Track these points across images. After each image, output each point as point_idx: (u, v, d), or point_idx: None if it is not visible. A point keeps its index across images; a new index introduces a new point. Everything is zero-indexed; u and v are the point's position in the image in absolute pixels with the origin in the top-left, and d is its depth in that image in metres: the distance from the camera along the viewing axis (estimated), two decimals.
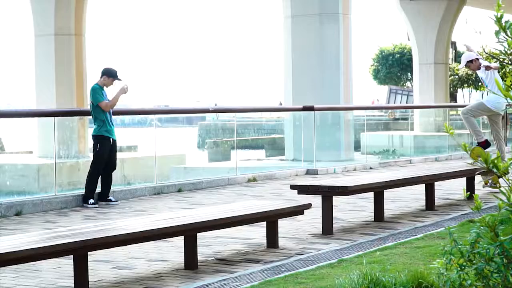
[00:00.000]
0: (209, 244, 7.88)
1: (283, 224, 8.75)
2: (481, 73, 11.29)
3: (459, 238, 4.83)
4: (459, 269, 3.41)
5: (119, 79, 11.45)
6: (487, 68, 11.07)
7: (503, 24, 3.36)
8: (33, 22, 21.99)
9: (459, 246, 3.43)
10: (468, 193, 3.63)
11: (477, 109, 11.46)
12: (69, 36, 21.72)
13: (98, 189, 11.46)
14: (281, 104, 46.79)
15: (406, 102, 61.87)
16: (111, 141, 11.36)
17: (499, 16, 3.33)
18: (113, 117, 11.54)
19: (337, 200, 10.05)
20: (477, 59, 11.36)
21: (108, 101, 11.30)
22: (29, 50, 22.32)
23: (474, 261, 3.38)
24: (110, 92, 11.53)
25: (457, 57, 55.69)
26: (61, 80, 21.62)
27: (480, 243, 3.40)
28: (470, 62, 11.36)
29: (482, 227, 3.41)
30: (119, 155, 11.81)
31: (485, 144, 11.16)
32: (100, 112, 11.26)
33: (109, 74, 11.41)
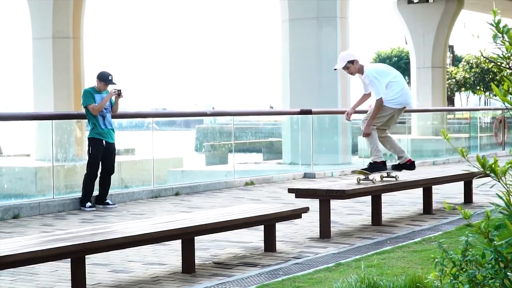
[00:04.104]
0: (207, 248, 7.88)
1: (281, 228, 8.74)
2: (361, 77, 9.46)
3: (456, 242, 4.83)
4: (452, 278, 3.40)
5: (112, 83, 11.44)
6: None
7: (501, 29, 3.36)
8: (31, 25, 22.01)
9: (450, 256, 3.43)
10: (450, 205, 3.58)
11: (380, 115, 9.41)
12: (67, 39, 21.73)
13: (96, 192, 11.46)
14: (272, 108, 46.80)
15: None
16: (104, 144, 11.33)
17: (496, 21, 3.34)
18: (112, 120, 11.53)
19: (334, 204, 10.05)
20: (358, 61, 9.39)
21: (96, 104, 11.28)
22: (27, 53, 22.33)
23: (465, 269, 3.38)
24: None
25: (455, 60, 55.79)
26: (59, 83, 21.63)
27: (471, 250, 3.40)
28: (350, 62, 9.34)
29: (471, 234, 3.41)
30: (116, 158, 11.79)
31: (383, 165, 9.41)
32: (90, 115, 11.28)
33: (101, 78, 11.43)
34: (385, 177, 9.56)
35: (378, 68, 9.55)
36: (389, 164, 9.67)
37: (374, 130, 9.37)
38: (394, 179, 9.57)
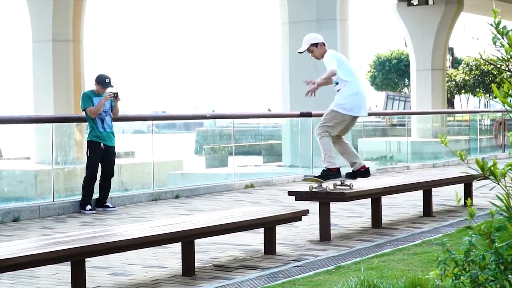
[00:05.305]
0: (207, 251, 7.88)
1: (281, 231, 8.74)
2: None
3: (457, 244, 4.81)
4: (454, 278, 3.40)
5: (110, 86, 11.45)
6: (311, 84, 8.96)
7: (501, 30, 3.36)
8: (31, 28, 22.00)
9: (453, 256, 3.43)
10: (460, 198, 3.59)
11: (331, 121, 9.04)
12: (67, 42, 21.73)
13: (96, 195, 11.46)
14: (270, 110, 46.81)
15: (404, 108, 61.95)
16: (103, 147, 11.33)
17: (496, 22, 3.34)
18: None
19: (334, 206, 10.05)
20: (324, 44, 8.93)
21: (93, 107, 11.30)
22: (27, 56, 22.32)
23: (468, 269, 3.37)
24: None
25: (455, 63, 55.79)
26: (59, 86, 21.63)
27: (474, 251, 3.40)
28: (314, 45, 8.90)
29: (474, 235, 3.41)
30: (116, 161, 11.78)
31: (336, 172, 8.76)
32: (88, 118, 11.31)
33: (99, 81, 11.45)
34: (339, 185, 8.93)
35: (341, 57, 9.03)
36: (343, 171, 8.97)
37: (328, 136, 8.87)
38: (348, 187, 8.85)
